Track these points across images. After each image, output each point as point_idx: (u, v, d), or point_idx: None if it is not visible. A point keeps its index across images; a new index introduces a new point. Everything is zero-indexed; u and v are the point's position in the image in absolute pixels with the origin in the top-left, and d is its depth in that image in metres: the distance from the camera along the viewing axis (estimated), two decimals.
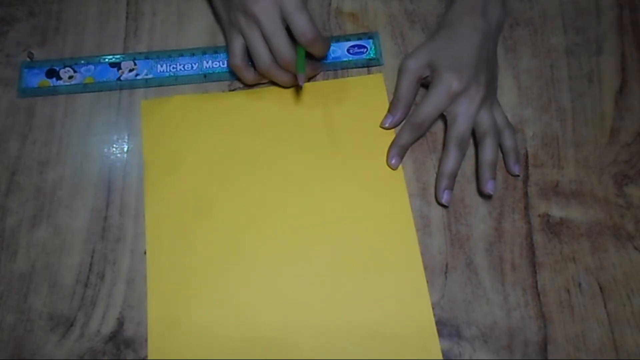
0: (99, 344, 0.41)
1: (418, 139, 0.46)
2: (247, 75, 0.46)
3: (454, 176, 0.44)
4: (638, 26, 0.50)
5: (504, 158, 0.45)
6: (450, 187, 0.44)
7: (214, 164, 0.45)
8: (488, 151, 0.43)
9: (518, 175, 0.45)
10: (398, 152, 0.45)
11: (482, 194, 0.44)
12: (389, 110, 0.46)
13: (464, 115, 0.43)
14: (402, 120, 0.46)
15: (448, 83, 0.43)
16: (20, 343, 0.41)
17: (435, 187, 0.44)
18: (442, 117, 0.45)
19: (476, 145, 0.45)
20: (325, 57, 0.47)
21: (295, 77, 0.45)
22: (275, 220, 0.44)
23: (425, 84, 0.47)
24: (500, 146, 0.45)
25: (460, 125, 0.43)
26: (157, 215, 0.44)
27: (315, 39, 0.42)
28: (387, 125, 0.46)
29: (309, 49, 0.43)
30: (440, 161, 0.44)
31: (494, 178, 0.43)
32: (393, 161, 0.45)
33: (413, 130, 0.45)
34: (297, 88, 0.47)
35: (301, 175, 0.45)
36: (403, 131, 0.45)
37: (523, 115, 0.47)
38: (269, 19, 0.42)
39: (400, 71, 0.46)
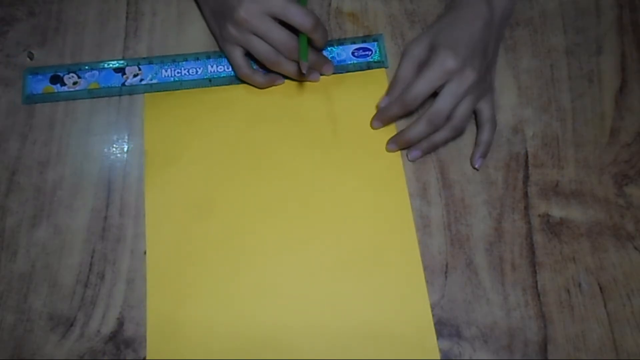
0: (99, 344, 0.41)
1: (407, 114, 0.46)
2: (258, 79, 0.46)
3: (409, 143, 0.45)
4: (638, 26, 0.50)
5: (474, 149, 0.46)
6: (400, 147, 0.45)
7: (215, 156, 0.45)
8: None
9: (476, 169, 0.45)
10: (382, 120, 0.46)
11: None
12: (386, 92, 0.47)
13: (448, 94, 0.43)
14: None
15: (443, 60, 0.43)
16: (20, 343, 0.41)
17: (390, 139, 0.46)
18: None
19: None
20: (325, 46, 0.47)
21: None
22: (275, 219, 0.44)
23: None
24: (476, 137, 0.46)
25: (441, 103, 0.43)
26: (157, 210, 0.44)
27: (317, 23, 0.43)
28: (382, 105, 0.46)
29: (313, 35, 0.43)
30: (409, 126, 0.45)
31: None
32: (375, 124, 0.46)
33: (403, 105, 0.45)
34: (305, 78, 0.47)
35: (301, 171, 0.45)
36: (394, 104, 0.45)
37: (523, 115, 0.47)
38: (258, 18, 0.42)
39: (403, 55, 0.47)
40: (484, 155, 0.45)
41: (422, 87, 0.43)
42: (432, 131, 0.44)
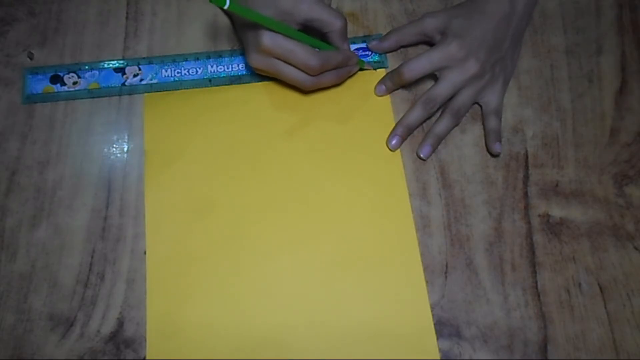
0: (99, 344, 0.41)
1: (401, 87, 0.47)
2: (329, 77, 0.45)
3: (409, 128, 0.45)
4: (638, 26, 0.50)
5: (485, 138, 0.46)
6: (402, 136, 0.45)
7: (215, 156, 0.45)
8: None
9: (498, 155, 0.46)
10: (384, 83, 0.47)
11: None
12: (381, 38, 0.48)
13: (447, 81, 0.44)
14: (386, 50, 0.49)
15: (448, 46, 0.44)
16: (20, 343, 0.41)
17: (389, 134, 0.46)
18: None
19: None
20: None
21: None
22: (274, 219, 0.44)
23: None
24: (484, 127, 0.46)
25: (439, 89, 0.45)
26: (157, 210, 0.44)
27: (344, 20, 0.43)
28: (370, 44, 0.48)
29: (343, 32, 0.44)
30: (405, 113, 0.46)
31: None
32: (378, 89, 0.47)
33: (400, 75, 0.45)
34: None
35: (302, 171, 0.45)
36: (392, 72, 0.46)
37: (523, 115, 0.47)
38: (278, 45, 0.41)
39: (416, 20, 0.47)
40: (499, 140, 0.45)
41: (421, 63, 0.45)
42: (427, 115, 0.45)
